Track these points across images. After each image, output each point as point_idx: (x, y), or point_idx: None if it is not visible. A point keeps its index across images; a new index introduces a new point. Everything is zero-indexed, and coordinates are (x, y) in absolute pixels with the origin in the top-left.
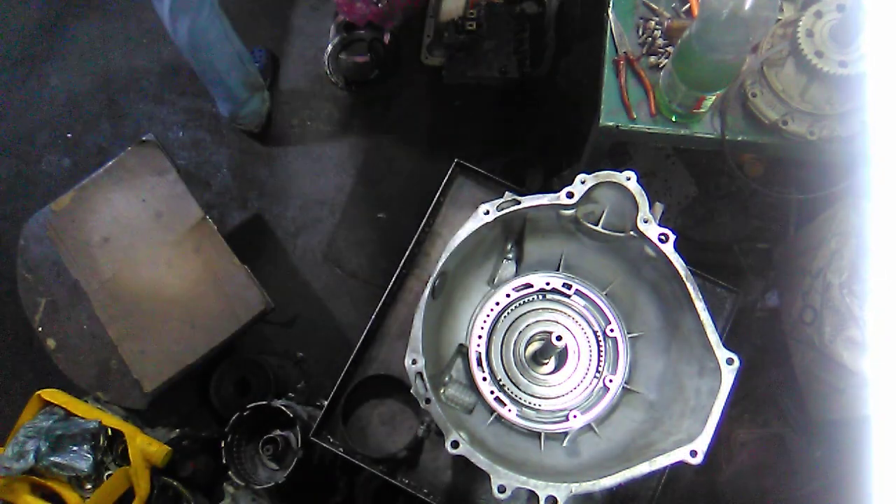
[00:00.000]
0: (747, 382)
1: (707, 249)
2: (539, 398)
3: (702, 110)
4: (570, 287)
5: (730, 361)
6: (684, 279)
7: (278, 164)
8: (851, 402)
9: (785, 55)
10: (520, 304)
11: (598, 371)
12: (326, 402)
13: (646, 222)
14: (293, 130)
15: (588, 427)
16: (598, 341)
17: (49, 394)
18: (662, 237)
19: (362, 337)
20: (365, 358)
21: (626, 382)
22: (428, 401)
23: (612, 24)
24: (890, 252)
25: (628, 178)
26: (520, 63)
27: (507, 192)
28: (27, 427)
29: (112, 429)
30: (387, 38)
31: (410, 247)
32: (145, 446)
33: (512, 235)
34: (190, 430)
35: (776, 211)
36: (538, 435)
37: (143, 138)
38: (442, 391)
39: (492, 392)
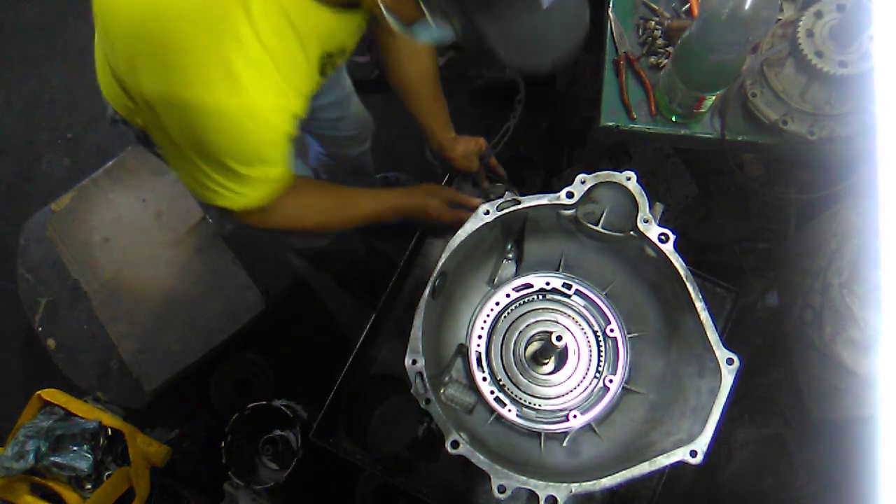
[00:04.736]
0: (747, 382)
1: (707, 249)
2: (539, 398)
3: (702, 110)
4: (570, 287)
5: (730, 361)
6: (684, 279)
7: None
8: (852, 403)
9: (785, 55)
10: (520, 305)
11: (598, 371)
12: (327, 402)
13: (646, 222)
14: None
15: (588, 427)
16: (598, 341)
17: (49, 394)
18: (662, 237)
19: (362, 337)
20: (365, 358)
21: (626, 382)
22: (428, 401)
23: (612, 24)
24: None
25: (628, 178)
26: None
27: (507, 192)
28: (27, 427)
29: (112, 429)
30: None
31: (410, 247)
32: (145, 446)
33: (512, 235)
34: (190, 430)
35: (776, 211)
36: (538, 435)
37: None
38: (442, 391)
39: (492, 392)
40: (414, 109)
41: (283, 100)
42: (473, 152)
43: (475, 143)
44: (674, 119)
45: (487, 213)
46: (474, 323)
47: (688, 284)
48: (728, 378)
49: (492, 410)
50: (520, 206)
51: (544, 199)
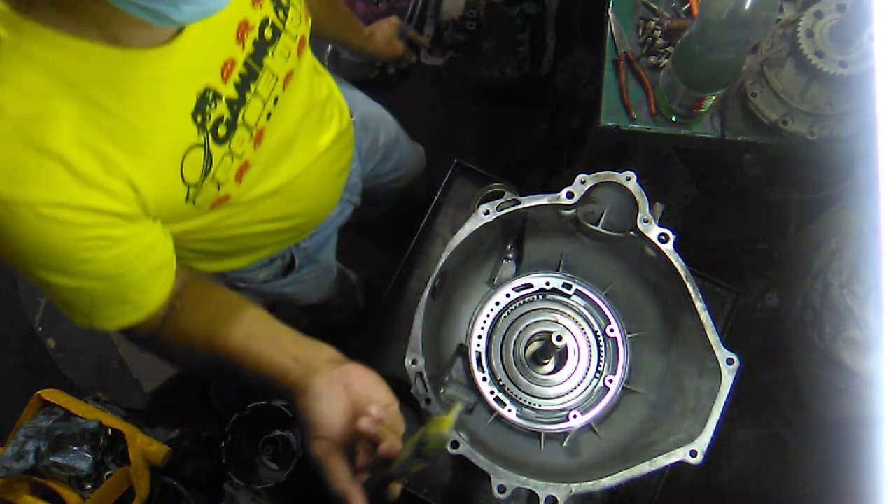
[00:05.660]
0: (747, 382)
1: (707, 249)
2: (539, 398)
3: (702, 110)
4: (570, 287)
5: (730, 361)
6: (684, 279)
7: None
8: (852, 403)
9: (785, 55)
10: (520, 305)
11: (598, 371)
12: None
13: (646, 222)
14: None
15: (588, 427)
16: (598, 341)
17: (49, 394)
18: (662, 237)
19: (362, 337)
20: (365, 358)
21: (626, 382)
22: (428, 401)
23: (612, 24)
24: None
25: (628, 178)
26: (520, 63)
27: (507, 192)
28: (27, 427)
29: (112, 429)
30: None
31: (410, 247)
32: (145, 446)
33: (512, 235)
34: (190, 430)
35: (776, 211)
36: (538, 435)
37: None
38: (442, 391)
39: (492, 392)
40: (325, 30)
41: (89, 196)
42: (392, 35)
43: (389, 25)
44: (674, 119)
45: (487, 213)
46: (474, 323)
47: (688, 284)
48: (728, 378)
49: (492, 410)
50: (520, 206)
51: (544, 199)
